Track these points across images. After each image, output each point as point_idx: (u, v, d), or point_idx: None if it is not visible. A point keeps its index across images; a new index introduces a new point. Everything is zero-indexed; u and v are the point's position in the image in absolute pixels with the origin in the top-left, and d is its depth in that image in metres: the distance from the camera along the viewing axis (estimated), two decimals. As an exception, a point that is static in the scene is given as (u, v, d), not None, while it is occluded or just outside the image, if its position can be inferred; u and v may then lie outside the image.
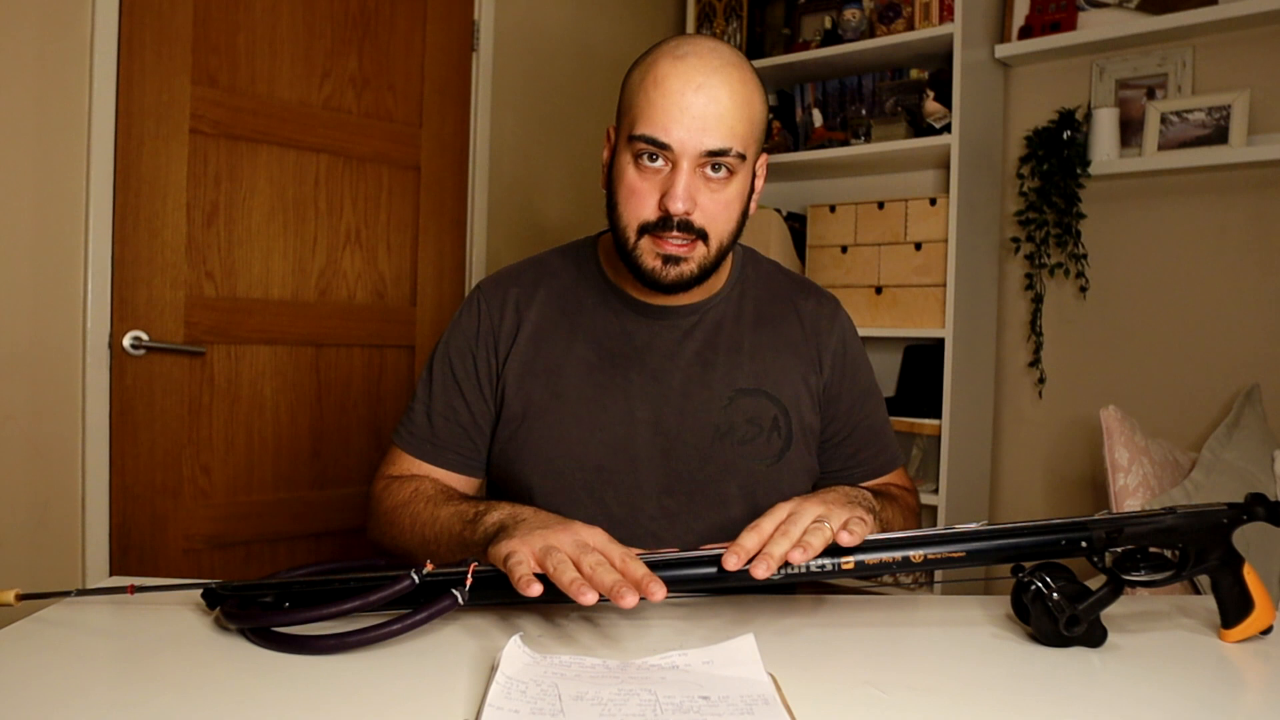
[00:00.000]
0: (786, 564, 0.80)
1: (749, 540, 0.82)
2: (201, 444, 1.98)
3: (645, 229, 1.01)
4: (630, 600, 0.75)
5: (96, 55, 1.78)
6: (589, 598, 0.75)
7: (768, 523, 0.83)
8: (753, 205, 1.09)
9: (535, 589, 0.76)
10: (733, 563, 0.80)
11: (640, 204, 1.01)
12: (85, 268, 1.80)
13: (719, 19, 2.88)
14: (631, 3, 2.88)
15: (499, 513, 0.93)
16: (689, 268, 1.03)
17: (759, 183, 1.10)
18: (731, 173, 1.01)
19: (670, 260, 1.02)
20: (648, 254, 1.02)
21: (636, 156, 1.01)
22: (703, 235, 1.02)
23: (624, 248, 1.04)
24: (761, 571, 0.79)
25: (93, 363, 1.81)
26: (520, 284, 1.16)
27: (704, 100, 0.98)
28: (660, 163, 1.00)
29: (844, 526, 0.83)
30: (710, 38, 1.05)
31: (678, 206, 0.98)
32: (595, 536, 0.83)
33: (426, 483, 1.09)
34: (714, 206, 1.01)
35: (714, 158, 0.99)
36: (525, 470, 1.08)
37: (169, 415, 1.92)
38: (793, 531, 0.82)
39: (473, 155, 2.43)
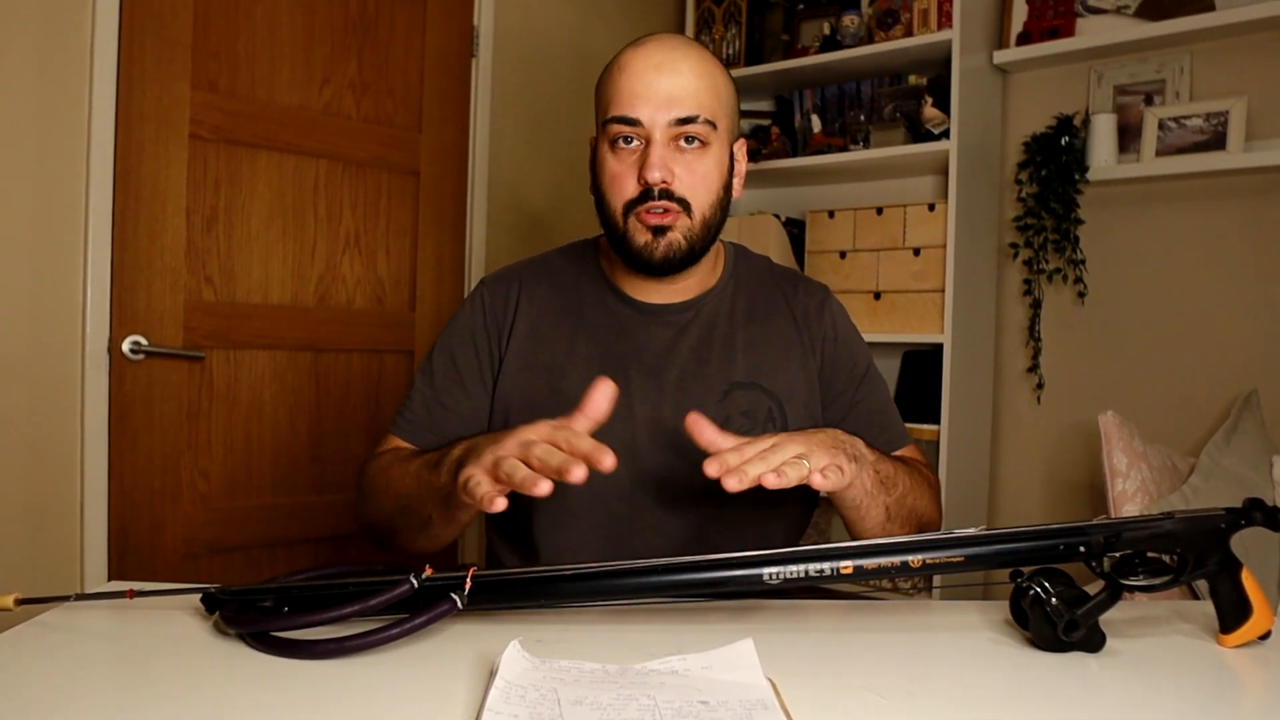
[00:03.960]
0: (784, 562, 0.80)
1: (732, 457, 0.83)
2: (200, 448, 1.98)
3: (630, 207, 1.05)
4: (578, 474, 0.77)
5: (96, 60, 1.78)
6: (542, 487, 0.77)
7: (750, 448, 0.85)
8: (736, 188, 1.13)
9: (499, 504, 0.79)
10: (714, 469, 0.81)
11: (622, 185, 1.06)
12: (84, 272, 1.80)
13: (718, 24, 2.88)
14: (630, 9, 2.88)
15: (458, 448, 0.94)
16: (675, 237, 1.06)
17: (740, 166, 1.14)
18: (705, 143, 1.05)
19: (658, 231, 1.05)
20: (637, 232, 1.06)
21: (612, 143, 1.06)
22: (684, 205, 1.05)
23: (615, 234, 1.08)
24: (733, 484, 0.80)
25: (92, 367, 1.81)
26: (523, 280, 1.18)
27: (666, 75, 1.03)
28: (635, 143, 1.05)
29: (821, 470, 0.85)
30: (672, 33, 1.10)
31: (654, 175, 1.02)
32: (538, 430, 0.84)
33: (405, 450, 1.10)
34: (691, 176, 1.05)
35: (684, 126, 1.03)
36: None
37: (168, 420, 1.92)
38: (772, 459, 0.84)
39: (472, 160, 2.43)
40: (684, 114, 1.03)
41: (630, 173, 1.05)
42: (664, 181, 1.03)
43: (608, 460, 0.79)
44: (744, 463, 0.83)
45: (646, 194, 1.04)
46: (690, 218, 1.06)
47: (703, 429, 0.87)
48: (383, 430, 2.22)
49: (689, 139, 1.04)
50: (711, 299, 1.16)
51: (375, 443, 2.19)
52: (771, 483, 0.81)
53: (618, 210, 1.06)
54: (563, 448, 0.81)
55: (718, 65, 1.09)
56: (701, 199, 1.06)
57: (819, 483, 0.84)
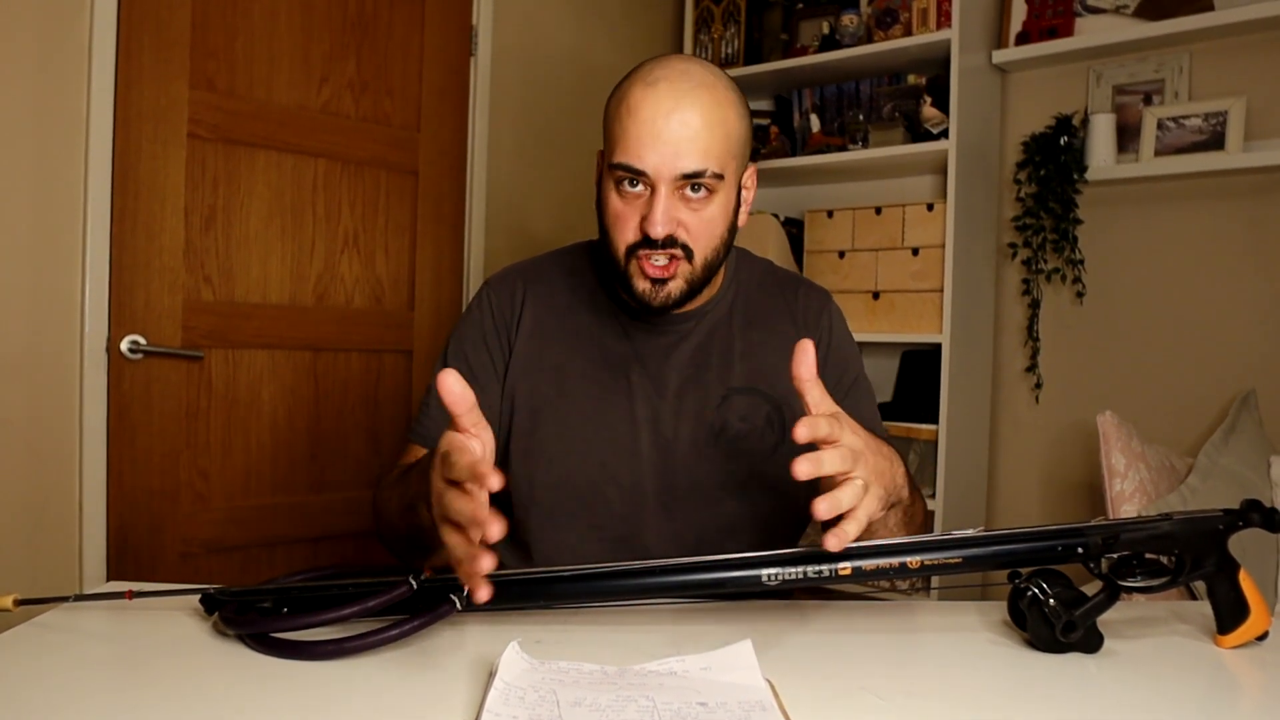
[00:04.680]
0: (783, 563, 0.80)
1: (845, 496, 0.78)
2: (199, 448, 1.98)
3: (632, 250, 1.04)
4: (494, 531, 0.70)
5: (95, 59, 1.78)
6: (482, 594, 0.72)
7: (848, 496, 0.79)
8: (742, 217, 1.11)
9: (481, 594, 0.72)
10: (834, 544, 0.76)
11: (625, 227, 1.04)
12: (83, 271, 1.80)
13: (716, 24, 2.88)
14: (628, 9, 2.88)
15: (422, 501, 0.87)
16: (676, 286, 1.05)
17: (748, 194, 1.12)
18: (711, 192, 1.03)
19: (658, 282, 1.04)
20: (638, 277, 1.05)
21: (618, 183, 1.03)
22: (687, 253, 1.04)
23: (616, 270, 1.07)
24: (833, 544, 0.76)
25: (90, 367, 1.81)
26: (527, 281, 1.19)
27: (676, 125, 1.00)
28: (640, 187, 1.02)
29: (848, 518, 0.79)
30: (685, 59, 1.06)
31: (657, 231, 1.01)
32: (435, 480, 0.75)
33: (397, 470, 1.10)
34: (697, 225, 1.03)
35: (690, 179, 1.01)
36: (529, 465, 1.10)
37: (166, 419, 1.92)
38: (866, 504, 0.79)
39: (470, 160, 2.43)
40: (691, 169, 1.00)
41: (634, 216, 1.03)
42: (667, 235, 1.02)
43: (492, 480, 0.69)
44: (849, 515, 0.78)
45: (648, 240, 1.02)
46: (692, 263, 1.05)
47: (805, 358, 0.81)
48: (381, 430, 2.25)
49: (695, 188, 1.02)
50: (713, 306, 1.16)
51: (374, 443, 2.22)
52: (804, 472, 0.76)
53: (620, 250, 1.05)
54: (454, 477, 0.72)
55: (730, 102, 1.04)
56: (704, 246, 1.05)
57: (832, 543, 0.77)
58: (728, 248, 1.09)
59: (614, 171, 1.03)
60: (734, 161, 1.05)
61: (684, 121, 1.00)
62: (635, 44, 2.83)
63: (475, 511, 0.70)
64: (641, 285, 1.05)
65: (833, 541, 0.76)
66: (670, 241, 1.02)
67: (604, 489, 1.09)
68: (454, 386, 0.74)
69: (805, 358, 0.81)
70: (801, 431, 0.77)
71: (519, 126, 2.56)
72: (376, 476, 1.18)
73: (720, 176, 1.02)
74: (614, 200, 1.05)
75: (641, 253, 1.03)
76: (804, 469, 0.76)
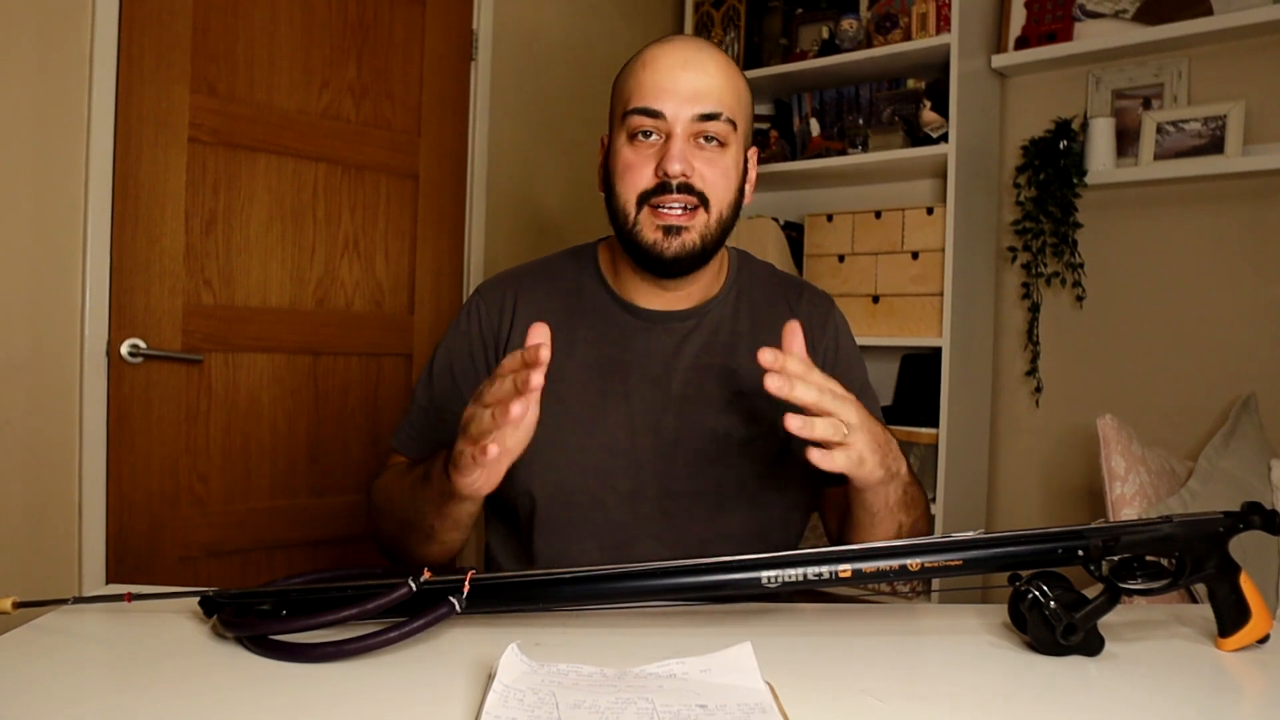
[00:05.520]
0: (783, 565, 0.80)
1: (794, 365, 0.83)
2: (199, 452, 1.97)
3: (644, 199, 1.03)
4: (515, 410, 0.79)
5: (96, 63, 1.79)
6: (492, 451, 0.82)
7: (817, 375, 0.85)
8: (747, 194, 1.11)
9: (491, 450, 0.81)
10: (769, 359, 0.81)
11: (637, 175, 1.04)
12: (83, 275, 1.80)
13: (716, 28, 2.89)
14: (629, 13, 2.89)
15: (439, 459, 0.95)
16: (690, 238, 1.04)
17: (752, 173, 1.12)
18: (724, 144, 1.04)
19: (671, 231, 1.03)
20: (648, 227, 1.04)
21: (631, 135, 1.04)
22: (703, 200, 1.03)
23: (624, 227, 1.06)
24: (773, 384, 0.81)
25: (90, 370, 1.81)
26: (520, 286, 1.17)
27: (692, 73, 1.03)
28: (654, 138, 1.03)
29: (849, 452, 0.84)
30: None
31: (674, 167, 1.01)
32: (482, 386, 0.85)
33: (397, 467, 1.10)
34: (711, 173, 1.04)
35: (706, 123, 1.02)
36: (526, 474, 1.08)
37: (166, 423, 1.92)
38: (825, 401, 0.83)
39: (471, 164, 2.43)
40: (707, 110, 1.02)
41: (647, 164, 1.03)
42: (684, 175, 1.01)
43: (536, 375, 0.79)
44: (800, 379, 0.82)
45: (663, 186, 1.02)
46: (708, 213, 1.04)
47: (794, 339, 0.90)
48: (381, 433, 2.25)
49: (709, 138, 1.03)
50: (714, 306, 1.15)
51: (374, 446, 2.22)
52: (795, 427, 0.80)
53: (630, 200, 1.04)
54: (504, 373, 0.83)
55: (739, 70, 1.08)
56: (720, 196, 1.04)
57: (837, 462, 0.83)
58: (738, 209, 1.09)
59: (628, 122, 1.03)
60: (743, 122, 1.07)
61: (702, 69, 1.03)
62: (636, 49, 2.83)
63: (511, 389, 0.80)
64: (652, 236, 1.04)
65: (773, 382, 0.81)
66: (686, 187, 1.02)
67: (603, 497, 1.08)
68: (541, 346, 0.80)
69: (791, 334, 0.90)
70: (766, 358, 0.81)
71: (519, 129, 2.57)
72: (369, 479, 1.18)
73: (733, 125, 1.04)
74: (625, 153, 1.04)
75: (655, 199, 1.02)
76: (795, 424, 0.80)
